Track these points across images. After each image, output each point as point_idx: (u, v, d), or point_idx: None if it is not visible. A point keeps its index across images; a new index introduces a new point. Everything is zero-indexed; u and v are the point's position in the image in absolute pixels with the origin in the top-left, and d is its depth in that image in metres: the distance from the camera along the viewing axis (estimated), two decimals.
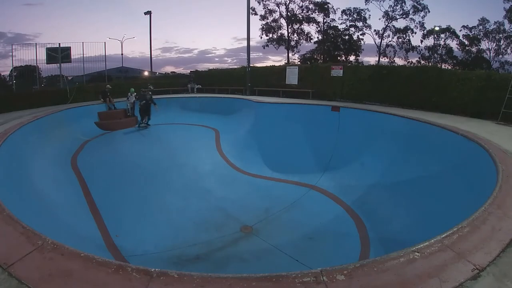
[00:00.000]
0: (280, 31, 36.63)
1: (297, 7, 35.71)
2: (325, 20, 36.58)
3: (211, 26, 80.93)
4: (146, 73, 29.10)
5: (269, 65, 22.76)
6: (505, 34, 33.08)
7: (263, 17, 35.99)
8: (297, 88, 16.20)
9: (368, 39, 44.07)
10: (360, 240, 6.02)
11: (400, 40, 36.05)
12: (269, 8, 35.55)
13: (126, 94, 14.41)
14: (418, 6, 33.84)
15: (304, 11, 35.90)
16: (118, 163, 9.49)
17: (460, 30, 35.16)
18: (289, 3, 35.37)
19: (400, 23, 35.56)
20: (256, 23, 37.77)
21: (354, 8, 35.81)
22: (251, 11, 23.80)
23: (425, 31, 35.54)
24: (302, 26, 36.45)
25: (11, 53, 15.91)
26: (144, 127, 13.26)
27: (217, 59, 66.16)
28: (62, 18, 64.71)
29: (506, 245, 2.48)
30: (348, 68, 14.71)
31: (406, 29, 35.42)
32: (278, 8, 35.59)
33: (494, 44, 34.25)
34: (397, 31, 35.67)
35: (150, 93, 13.65)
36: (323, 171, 9.41)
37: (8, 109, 11.90)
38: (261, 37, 37.05)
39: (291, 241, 6.13)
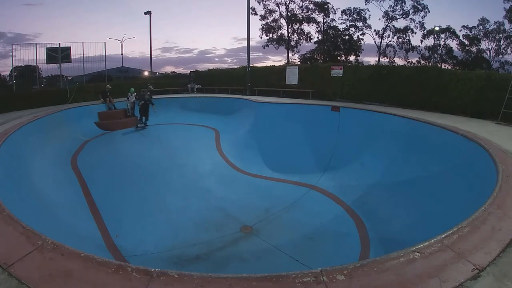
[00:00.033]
0: (280, 31, 36.66)
1: (297, 7, 35.75)
2: (325, 20, 36.62)
3: (211, 26, 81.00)
4: (146, 73, 29.08)
5: (269, 65, 22.80)
6: (505, 34, 33.07)
7: (263, 17, 36.04)
8: (297, 88, 16.20)
9: (368, 39, 44.08)
10: (360, 240, 6.02)
11: (400, 40, 36.05)
12: (269, 8, 35.59)
13: (126, 94, 14.39)
14: (418, 6, 33.84)
15: (304, 11, 35.92)
16: (118, 163, 9.49)
17: (460, 30, 35.23)
18: (289, 3, 35.38)
19: (400, 23, 35.63)
20: (256, 23, 37.90)
21: (354, 8, 35.86)
22: (251, 11, 23.81)
23: (425, 31, 35.56)
24: (302, 26, 36.48)
25: (11, 53, 15.93)
26: (142, 128, 13.23)
27: (217, 59, 66.23)
28: (62, 18, 64.76)
29: (506, 245, 2.48)
30: (348, 68, 14.70)
31: (406, 29, 35.39)
32: (278, 8, 35.63)
33: (494, 44, 34.28)
34: (397, 31, 35.65)
35: (149, 93, 13.61)
36: (323, 171, 9.41)
37: (8, 109, 11.88)
38: (261, 37, 37.12)
39: (291, 241, 6.13)
